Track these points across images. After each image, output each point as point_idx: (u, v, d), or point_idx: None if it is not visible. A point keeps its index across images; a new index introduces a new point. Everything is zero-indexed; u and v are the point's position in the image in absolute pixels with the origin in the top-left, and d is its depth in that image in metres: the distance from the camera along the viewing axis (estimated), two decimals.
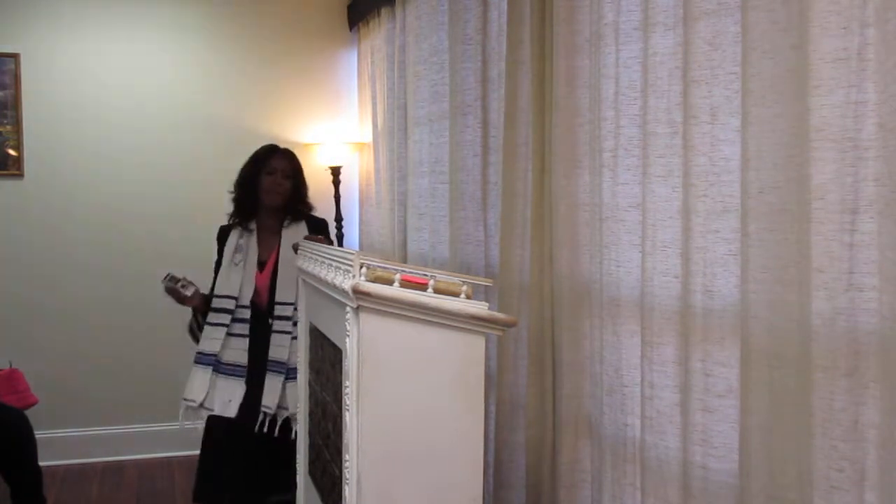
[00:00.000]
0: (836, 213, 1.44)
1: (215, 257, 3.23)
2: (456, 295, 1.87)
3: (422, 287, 1.86)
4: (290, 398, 3.00)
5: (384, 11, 4.12)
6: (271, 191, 3.11)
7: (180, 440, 4.46)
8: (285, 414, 3.03)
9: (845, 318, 1.43)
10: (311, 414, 2.56)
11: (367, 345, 1.84)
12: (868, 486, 1.41)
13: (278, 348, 3.04)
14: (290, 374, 3.01)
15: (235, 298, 3.07)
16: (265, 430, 3.01)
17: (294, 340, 2.97)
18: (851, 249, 1.42)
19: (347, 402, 1.87)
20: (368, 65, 4.49)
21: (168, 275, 3.00)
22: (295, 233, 3.11)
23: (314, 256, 2.33)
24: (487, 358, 2.13)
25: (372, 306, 1.82)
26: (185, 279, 2.99)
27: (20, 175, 4.27)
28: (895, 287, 1.32)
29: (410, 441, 1.87)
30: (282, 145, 3.29)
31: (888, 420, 1.35)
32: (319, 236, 3.05)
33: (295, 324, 2.96)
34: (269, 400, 3.00)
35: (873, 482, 1.41)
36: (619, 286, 2.11)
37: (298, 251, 2.74)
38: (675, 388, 1.90)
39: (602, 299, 2.18)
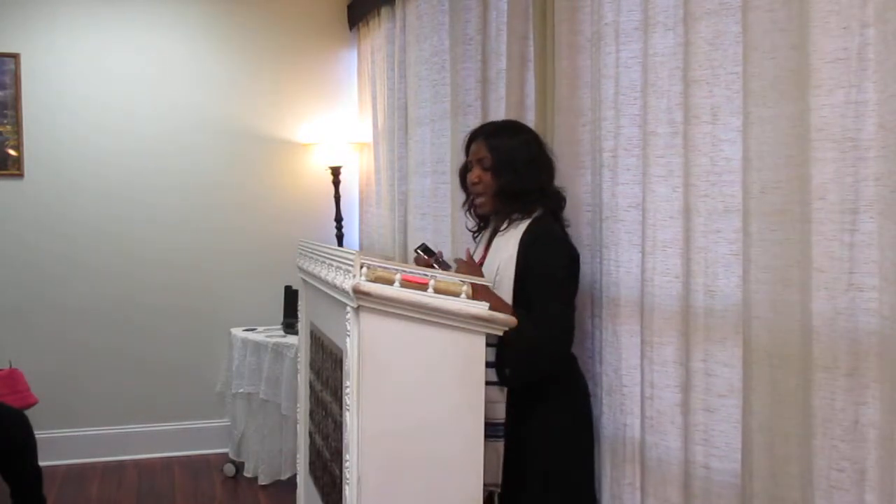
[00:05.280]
0: (837, 212, 1.44)
1: None
2: (456, 295, 1.86)
3: (422, 287, 1.86)
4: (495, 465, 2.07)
5: (384, 11, 4.12)
6: (471, 194, 2.25)
7: (180, 440, 4.49)
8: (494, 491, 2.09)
9: (846, 318, 1.43)
10: (312, 414, 2.55)
11: (367, 345, 1.83)
12: (868, 485, 1.42)
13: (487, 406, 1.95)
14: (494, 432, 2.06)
15: None
16: None
17: (501, 390, 2.07)
18: (852, 249, 1.42)
19: (348, 402, 1.86)
20: (368, 65, 4.49)
21: (423, 245, 2.33)
22: (506, 242, 2.14)
23: (314, 256, 2.33)
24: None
25: (372, 306, 1.82)
26: (438, 255, 2.24)
27: (20, 175, 4.26)
28: (895, 287, 1.32)
29: (411, 441, 1.86)
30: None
31: (888, 420, 1.35)
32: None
33: (500, 370, 2.06)
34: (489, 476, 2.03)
35: (874, 482, 1.41)
36: (619, 286, 2.11)
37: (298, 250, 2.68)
38: (676, 387, 1.90)
39: (602, 299, 2.18)
